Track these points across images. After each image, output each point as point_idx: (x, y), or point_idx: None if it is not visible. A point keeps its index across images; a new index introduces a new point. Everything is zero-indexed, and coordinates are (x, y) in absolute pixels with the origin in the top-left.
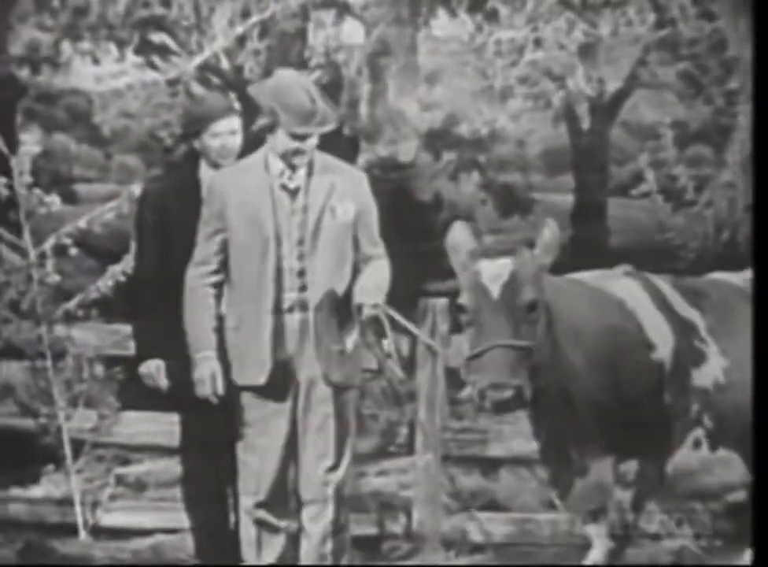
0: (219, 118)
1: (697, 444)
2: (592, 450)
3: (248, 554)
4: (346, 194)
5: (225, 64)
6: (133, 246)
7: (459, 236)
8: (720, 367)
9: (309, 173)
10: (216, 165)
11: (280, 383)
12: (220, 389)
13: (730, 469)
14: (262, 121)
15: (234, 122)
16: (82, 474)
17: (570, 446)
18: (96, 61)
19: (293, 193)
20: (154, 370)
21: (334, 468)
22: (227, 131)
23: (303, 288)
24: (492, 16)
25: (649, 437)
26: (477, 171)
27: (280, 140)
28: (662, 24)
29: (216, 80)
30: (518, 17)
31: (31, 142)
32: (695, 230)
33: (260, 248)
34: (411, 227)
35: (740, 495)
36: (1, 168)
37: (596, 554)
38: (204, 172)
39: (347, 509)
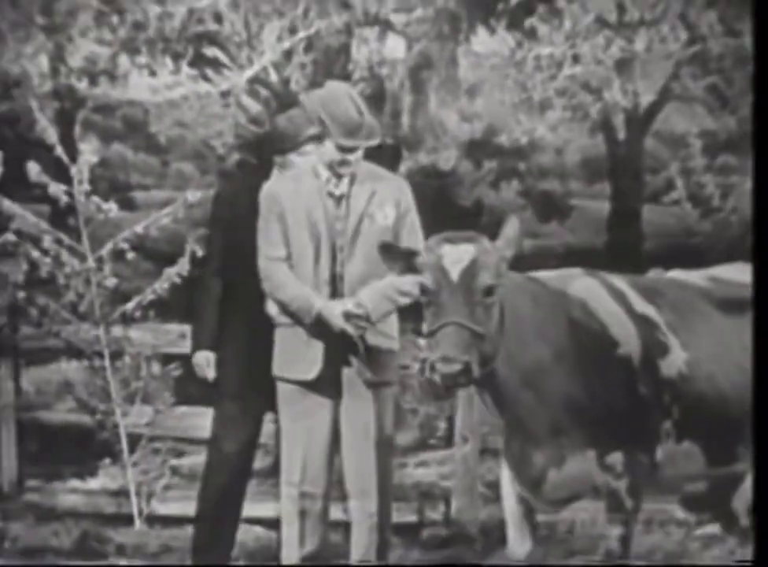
0: (309, 141)
1: (667, 435)
2: (568, 443)
3: (290, 543)
4: (386, 200)
5: (273, 77)
6: (187, 248)
7: None
8: (682, 359)
9: (352, 181)
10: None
11: (325, 378)
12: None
13: (690, 461)
14: (311, 131)
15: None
16: (138, 466)
17: (542, 438)
18: (152, 74)
19: (338, 200)
20: (204, 361)
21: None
22: (309, 152)
23: (339, 294)
24: (532, 33)
25: (631, 429)
26: (517, 178)
27: (328, 150)
28: (693, 41)
29: (264, 92)
30: (556, 35)
31: (89, 151)
32: (721, 235)
33: (313, 250)
34: (454, 232)
35: (698, 486)
36: (62, 177)
37: (610, 542)
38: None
39: (391, 500)
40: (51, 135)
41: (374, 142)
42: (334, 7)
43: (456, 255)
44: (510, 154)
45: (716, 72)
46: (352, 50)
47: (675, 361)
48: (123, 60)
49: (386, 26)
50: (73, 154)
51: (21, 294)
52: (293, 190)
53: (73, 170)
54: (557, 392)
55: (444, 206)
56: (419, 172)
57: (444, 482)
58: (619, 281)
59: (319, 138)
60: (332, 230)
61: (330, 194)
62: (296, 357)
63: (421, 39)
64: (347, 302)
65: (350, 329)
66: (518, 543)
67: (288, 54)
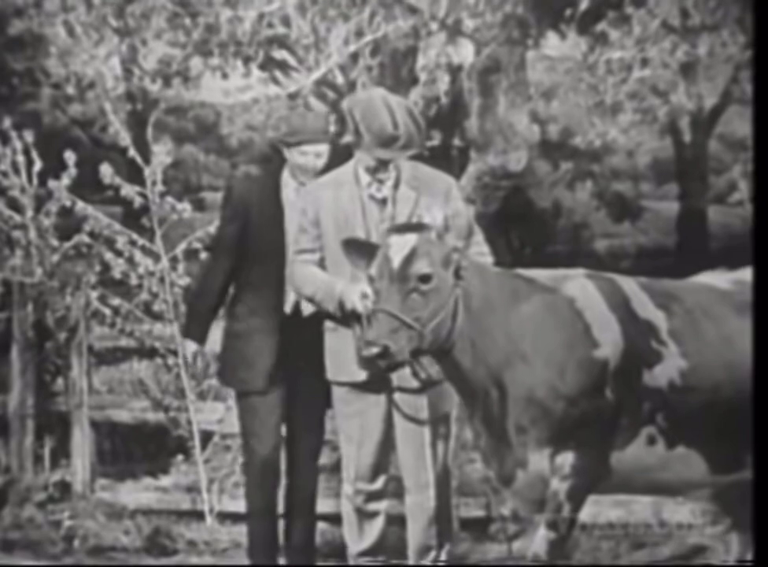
0: (312, 141)
1: (652, 441)
2: (530, 442)
3: (350, 538)
4: (433, 201)
5: (340, 79)
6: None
7: None
8: (677, 368)
9: (396, 184)
10: (294, 177)
11: (376, 378)
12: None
13: (690, 466)
14: (348, 138)
15: (323, 148)
16: (209, 463)
17: (510, 437)
18: (224, 76)
19: (382, 203)
20: (188, 350)
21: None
22: (313, 153)
23: None
24: (602, 38)
25: (587, 431)
26: (591, 180)
27: (364, 157)
28: (750, 45)
29: (331, 94)
30: (626, 39)
31: (163, 152)
32: None
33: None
34: (533, 232)
35: (705, 491)
36: (134, 178)
37: (537, 545)
38: (286, 177)
39: (450, 493)
40: (125, 137)
41: (411, 153)
42: (400, 11)
43: (400, 244)
44: (584, 156)
45: None
46: (419, 53)
47: (667, 371)
48: (196, 62)
49: (454, 30)
50: (145, 156)
51: (94, 295)
52: (333, 197)
53: (147, 171)
54: (522, 387)
55: (521, 207)
56: (488, 172)
57: None
58: (630, 285)
59: (356, 145)
60: (377, 232)
61: (372, 197)
62: (345, 359)
63: (490, 44)
64: (360, 284)
65: (360, 307)
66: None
67: (354, 57)
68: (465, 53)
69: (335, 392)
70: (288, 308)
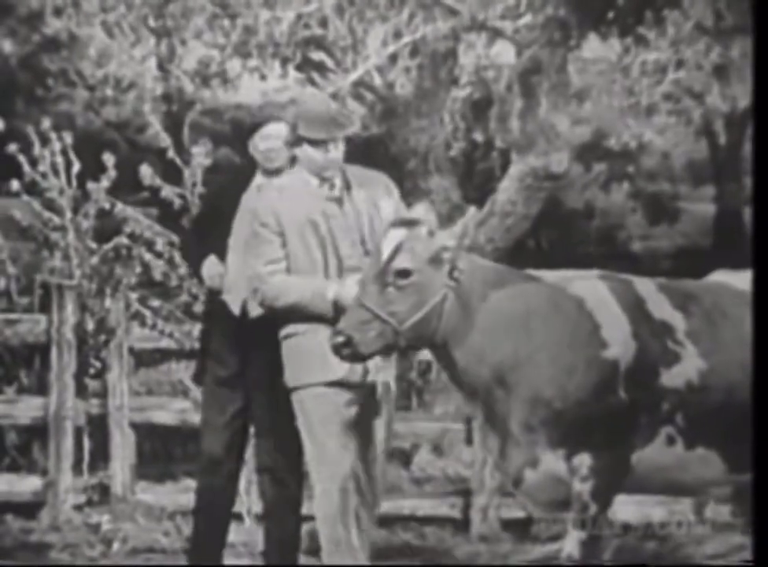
0: (267, 122)
1: (671, 441)
2: (540, 442)
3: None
4: (383, 194)
5: (378, 80)
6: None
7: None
8: (696, 369)
9: (348, 187)
10: (267, 171)
11: (353, 376)
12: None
13: (708, 467)
14: (290, 137)
15: (282, 127)
16: (248, 465)
17: (517, 435)
18: (262, 77)
19: (339, 201)
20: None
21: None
22: (274, 135)
23: None
24: (641, 39)
25: (602, 431)
26: (627, 181)
27: (307, 153)
28: None
29: (369, 96)
30: (661, 41)
31: (202, 154)
32: None
33: (321, 256)
34: (565, 234)
35: (724, 490)
36: (171, 180)
37: (569, 546)
38: (259, 179)
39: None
40: (164, 138)
41: (349, 131)
42: (440, 13)
43: (393, 237)
44: (619, 157)
45: None
46: (458, 54)
47: (685, 371)
48: (235, 63)
49: (494, 32)
50: (181, 157)
51: (134, 296)
52: (291, 207)
53: (186, 173)
54: (528, 387)
55: (554, 208)
56: (529, 174)
57: None
58: (646, 286)
59: (297, 143)
60: (343, 228)
61: (328, 198)
62: (317, 360)
63: (531, 46)
64: (353, 279)
65: None
66: None
67: (393, 58)
68: (505, 54)
69: (304, 398)
70: (236, 309)
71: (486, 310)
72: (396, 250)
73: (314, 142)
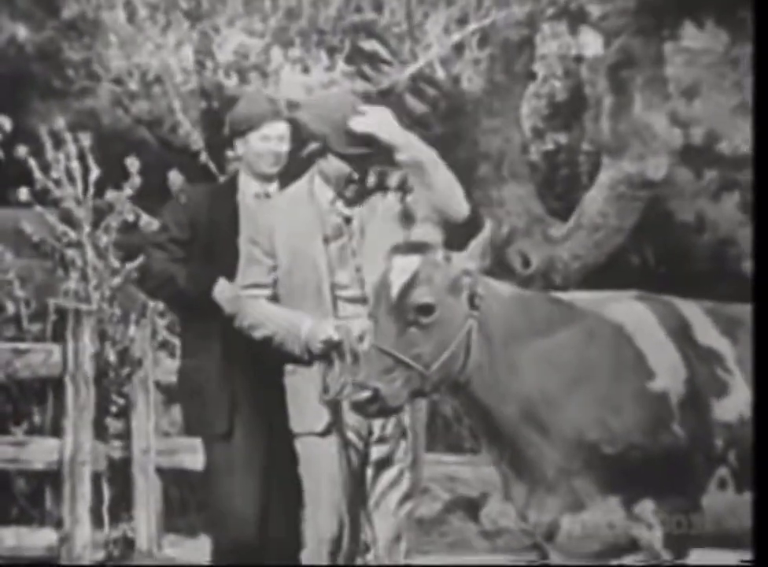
0: (268, 120)
1: (722, 484)
2: (583, 487)
3: None
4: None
5: (441, 74)
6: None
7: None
8: (746, 400)
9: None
10: (261, 175)
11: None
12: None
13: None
14: (313, 146)
15: (283, 127)
16: None
17: (551, 480)
18: (305, 70)
19: (347, 220)
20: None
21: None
22: (275, 136)
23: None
24: (743, 27)
25: (662, 473)
26: (738, 190)
27: (333, 165)
28: None
29: (431, 91)
30: None
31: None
32: None
33: (314, 279)
34: (673, 249)
35: None
36: (208, 180)
37: None
38: (245, 184)
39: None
40: (197, 140)
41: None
42: None
43: (402, 267)
44: (730, 163)
45: None
46: (536, 44)
47: (736, 404)
48: (276, 53)
49: (578, 19)
50: (220, 160)
51: (162, 323)
52: (290, 227)
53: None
54: (567, 427)
55: (660, 219)
56: (623, 181)
57: None
58: (691, 309)
59: (321, 153)
60: (341, 253)
61: (337, 215)
62: (305, 406)
63: (620, 34)
64: (328, 322)
65: (336, 337)
66: None
67: (458, 48)
68: (591, 44)
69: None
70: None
71: (510, 341)
72: (412, 282)
73: (345, 157)
